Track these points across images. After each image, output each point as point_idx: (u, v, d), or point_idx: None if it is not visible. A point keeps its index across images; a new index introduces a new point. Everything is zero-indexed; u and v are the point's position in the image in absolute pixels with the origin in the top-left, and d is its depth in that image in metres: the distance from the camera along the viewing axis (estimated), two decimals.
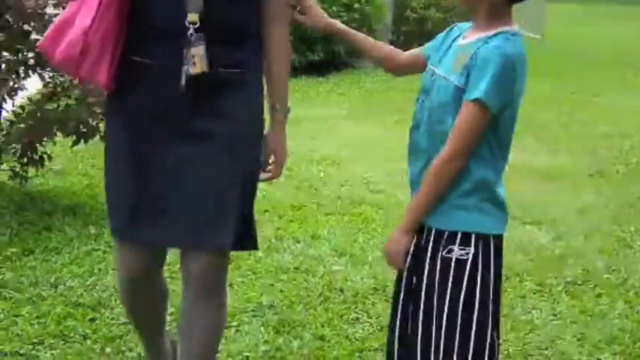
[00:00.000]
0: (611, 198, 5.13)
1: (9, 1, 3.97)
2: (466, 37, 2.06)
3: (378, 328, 3.22)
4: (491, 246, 2.04)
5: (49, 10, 4.07)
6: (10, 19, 4.02)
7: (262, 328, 3.17)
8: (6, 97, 4.07)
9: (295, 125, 6.77)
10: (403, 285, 2.14)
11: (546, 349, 3.11)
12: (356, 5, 9.60)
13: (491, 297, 2.04)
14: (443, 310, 2.01)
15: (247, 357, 2.95)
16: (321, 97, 8.21)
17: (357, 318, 3.33)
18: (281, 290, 3.54)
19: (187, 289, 2.28)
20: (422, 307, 2.04)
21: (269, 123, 2.32)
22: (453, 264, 2.00)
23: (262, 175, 2.32)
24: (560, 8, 14.31)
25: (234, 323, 3.19)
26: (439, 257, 2.01)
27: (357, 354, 3.01)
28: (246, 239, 2.26)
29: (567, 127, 7.22)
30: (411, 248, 2.11)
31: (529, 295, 3.59)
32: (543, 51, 11.35)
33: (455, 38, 2.10)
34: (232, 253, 3.87)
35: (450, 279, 2.00)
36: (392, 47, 2.41)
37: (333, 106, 7.78)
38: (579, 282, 3.76)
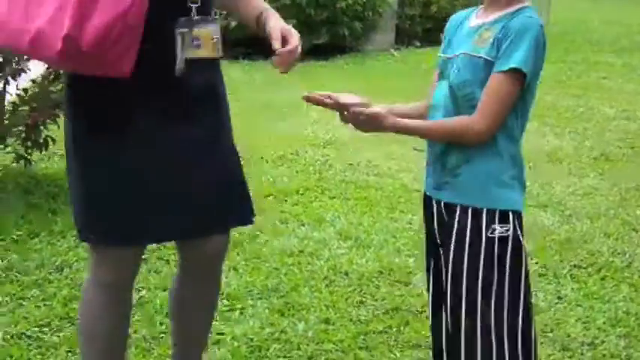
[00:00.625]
0: (616, 181, 5.11)
1: None
2: (479, 17, 2.09)
3: (383, 311, 3.23)
4: (522, 223, 2.07)
5: None
6: None
7: (267, 311, 3.18)
8: (9, 79, 4.07)
9: (299, 109, 6.79)
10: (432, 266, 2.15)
11: (551, 331, 3.12)
12: None
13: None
14: (491, 290, 2.01)
15: (252, 339, 2.96)
16: (326, 80, 8.18)
17: (362, 301, 3.33)
18: (286, 273, 3.54)
19: (193, 274, 2.27)
20: (464, 285, 2.04)
21: (264, 21, 2.22)
22: (496, 242, 2.01)
23: (283, 61, 2.16)
24: None
25: (239, 306, 3.20)
26: (483, 237, 2.01)
27: (361, 337, 3.02)
28: (251, 212, 2.26)
29: (573, 110, 7.19)
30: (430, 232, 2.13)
31: (534, 278, 3.58)
32: (549, 35, 11.21)
33: (459, 24, 2.13)
34: (236, 237, 3.89)
35: (496, 258, 2.01)
36: (414, 106, 2.29)
37: (337, 89, 7.71)
38: (584, 265, 3.76)
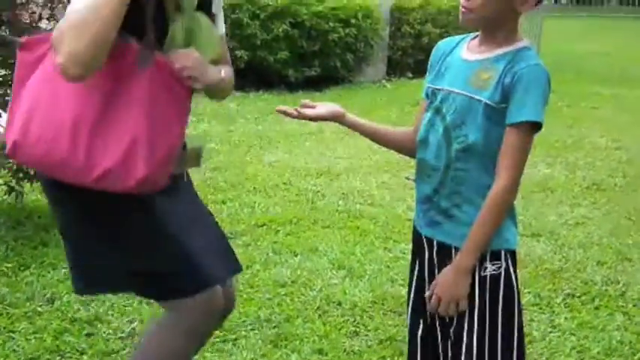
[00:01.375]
0: (608, 210, 5.13)
1: (4, 16, 3.98)
2: (472, 50, 2.04)
3: (377, 341, 3.21)
4: (515, 260, 2.06)
5: (43, 24, 4.08)
6: (4, 34, 4.01)
7: (260, 342, 3.15)
8: (0, 111, 4.06)
9: (292, 139, 6.81)
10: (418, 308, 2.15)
11: None
12: (353, 20, 9.62)
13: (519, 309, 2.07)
14: (484, 329, 2.01)
15: None
16: None
17: (356, 331, 3.31)
18: (279, 304, 3.52)
19: None
20: (454, 327, 2.04)
21: None
22: (488, 281, 2.00)
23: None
24: (556, 24, 14.38)
25: (232, 337, 3.18)
26: (477, 277, 1.99)
27: None
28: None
29: (564, 139, 7.23)
30: (420, 268, 2.12)
31: (528, 307, 3.57)
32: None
33: (448, 53, 2.09)
34: None
35: (487, 296, 2.00)
36: (401, 130, 2.28)
37: (330, 120, 7.77)
38: (578, 294, 3.75)
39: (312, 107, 2.23)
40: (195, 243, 2.06)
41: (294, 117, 2.20)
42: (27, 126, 1.82)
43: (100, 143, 1.77)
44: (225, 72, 2.09)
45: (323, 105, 2.25)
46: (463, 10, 1.97)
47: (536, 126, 1.93)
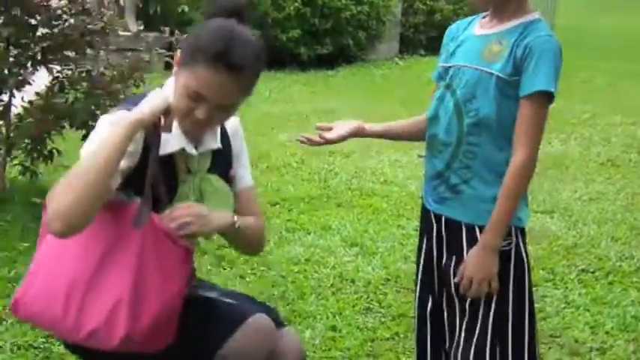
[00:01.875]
0: (623, 186, 5.10)
1: None
2: (483, 27, 2.03)
3: (390, 318, 3.22)
4: (525, 237, 2.06)
5: (54, 3, 4.08)
6: (16, 14, 4.02)
7: None
8: (15, 91, 4.09)
9: (304, 118, 6.80)
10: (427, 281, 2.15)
11: (559, 336, 3.10)
12: None
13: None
14: (491, 303, 2.02)
15: None
16: (331, 90, 8.20)
17: (369, 308, 3.32)
18: (292, 281, 3.54)
19: None
20: (467, 301, 2.04)
21: None
22: (499, 256, 2.00)
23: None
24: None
25: None
26: None
27: (368, 343, 3.01)
28: None
29: (578, 116, 7.18)
30: (429, 244, 2.12)
31: (541, 283, 3.58)
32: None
33: (460, 33, 2.09)
34: None
35: (499, 271, 2.00)
36: (418, 119, 2.25)
37: (342, 98, 7.77)
38: (591, 270, 3.75)
39: (330, 128, 2.24)
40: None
41: (318, 144, 2.22)
42: (29, 285, 1.89)
43: (90, 304, 1.81)
44: (248, 221, 2.01)
45: (341, 125, 2.25)
46: None
47: (549, 97, 1.92)
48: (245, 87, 1.85)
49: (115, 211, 1.84)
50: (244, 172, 2.08)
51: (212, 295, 2.04)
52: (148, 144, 1.83)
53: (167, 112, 1.81)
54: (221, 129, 2.02)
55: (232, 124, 2.07)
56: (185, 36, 1.96)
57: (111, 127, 1.76)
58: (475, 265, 1.98)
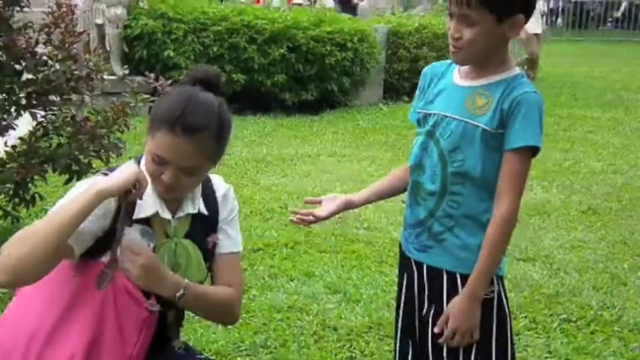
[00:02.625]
0: (604, 234, 5.13)
1: (0, 41, 4.00)
2: (463, 77, 2.06)
3: None
4: (504, 285, 2.07)
5: (40, 49, 4.10)
6: (1, 58, 4.04)
7: None
8: None
9: (288, 163, 6.82)
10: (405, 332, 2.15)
11: None
12: (349, 44, 9.67)
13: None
14: (477, 351, 2.02)
15: None
16: (315, 135, 8.24)
17: (352, 357, 3.30)
18: (274, 329, 3.52)
19: None
20: (445, 351, 2.03)
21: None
22: (481, 305, 2.01)
23: None
24: (551, 48, 14.45)
25: None
26: None
27: None
28: None
29: (560, 163, 7.25)
30: (409, 291, 2.12)
31: (523, 332, 3.58)
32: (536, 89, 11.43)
33: (438, 79, 2.11)
34: None
35: (481, 319, 2.01)
36: (400, 168, 2.28)
37: (326, 144, 7.81)
38: (573, 319, 3.75)
39: (319, 202, 2.28)
40: None
41: (309, 223, 2.27)
42: None
43: (47, 356, 1.82)
44: (206, 291, 2.01)
45: (330, 201, 2.28)
46: (453, 49, 1.99)
47: (534, 151, 1.96)
48: (206, 150, 1.89)
49: (82, 268, 1.86)
50: (229, 239, 2.08)
51: None
52: (120, 209, 1.86)
53: (139, 181, 1.83)
54: (210, 194, 2.04)
55: (223, 189, 2.09)
56: (154, 102, 2.01)
57: (80, 192, 1.79)
58: (459, 315, 1.98)
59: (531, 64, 12.90)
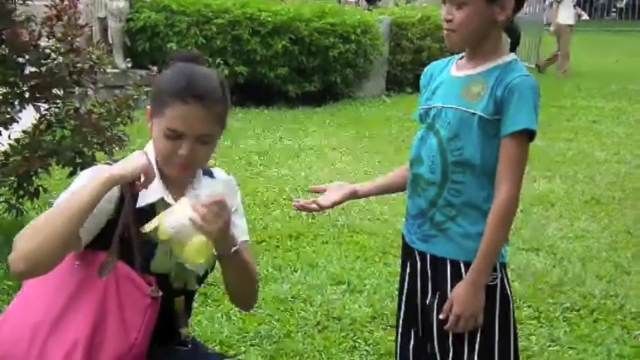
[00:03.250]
0: (607, 224, 5.14)
1: (3, 34, 4.01)
2: (461, 68, 2.08)
3: (376, 356, 3.22)
4: (507, 272, 2.08)
5: (43, 42, 4.11)
6: (4, 53, 4.05)
7: (260, 358, 3.17)
8: (1, 129, 4.09)
9: (292, 155, 6.83)
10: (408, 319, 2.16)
11: None
12: (352, 36, 9.67)
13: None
14: (477, 337, 2.03)
15: None
16: (318, 127, 8.24)
17: (355, 346, 3.32)
18: (279, 319, 3.53)
19: None
20: (451, 338, 2.05)
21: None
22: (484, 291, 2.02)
23: None
24: (556, 38, 14.43)
25: (232, 353, 3.18)
26: None
27: None
28: None
29: (563, 153, 7.25)
30: (412, 281, 2.14)
31: (526, 321, 3.59)
32: (538, 79, 11.42)
33: (438, 74, 2.14)
34: None
35: (485, 305, 2.02)
36: (403, 167, 2.29)
37: (329, 136, 7.82)
38: (577, 308, 3.76)
39: (323, 190, 2.29)
40: None
41: (311, 211, 2.28)
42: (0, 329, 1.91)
43: (51, 347, 1.84)
44: (249, 257, 2.03)
45: (335, 190, 2.29)
46: (446, 32, 2.04)
47: (531, 134, 1.96)
48: (216, 115, 1.92)
49: (85, 257, 1.88)
50: (238, 228, 2.07)
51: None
52: (124, 198, 1.88)
53: (147, 172, 1.85)
54: None
55: (222, 176, 2.11)
56: (149, 90, 2.01)
57: (88, 179, 1.81)
58: (463, 301, 1.99)
59: (563, 56, 12.81)
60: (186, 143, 1.88)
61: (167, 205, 1.93)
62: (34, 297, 1.90)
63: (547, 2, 13.88)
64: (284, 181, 5.99)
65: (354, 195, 2.30)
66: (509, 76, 1.98)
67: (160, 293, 1.89)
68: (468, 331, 2.02)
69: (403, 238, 2.22)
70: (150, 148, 1.98)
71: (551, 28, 12.95)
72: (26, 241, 1.74)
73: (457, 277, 2.03)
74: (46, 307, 1.87)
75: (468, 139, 1.99)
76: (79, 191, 1.79)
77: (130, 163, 1.84)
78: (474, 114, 1.98)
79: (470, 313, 1.99)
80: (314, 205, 2.25)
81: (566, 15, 12.60)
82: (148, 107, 1.95)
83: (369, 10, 12.37)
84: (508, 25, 2.05)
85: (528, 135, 1.96)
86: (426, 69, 2.22)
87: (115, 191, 1.87)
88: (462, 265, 2.03)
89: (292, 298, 3.78)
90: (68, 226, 1.75)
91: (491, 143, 1.98)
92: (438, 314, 2.06)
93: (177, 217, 1.81)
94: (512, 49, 2.08)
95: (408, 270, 2.19)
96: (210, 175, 2.08)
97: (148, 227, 1.84)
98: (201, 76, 1.91)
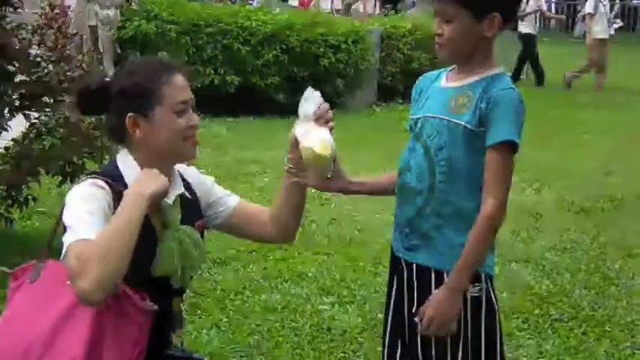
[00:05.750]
0: (595, 235, 5.16)
1: None
2: (450, 80, 2.11)
3: None
4: (493, 284, 2.08)
5: (33, 50, 4.10)
6: None
7: None
8: None
9: (282, 164, 6.80)
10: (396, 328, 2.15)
11: None
12: (343, 46, 9.70)
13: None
14: (467, 349, 2.04)
15: None
16: None
17: (345, 357, 3.32)
18: (268, 330, 3.53)
19: None
20: (434, 348, 2.05)
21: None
22: (469, 302, 2.03)
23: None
24: (546, 50, 14.50)
25: None
26: None
27: None
28: None
29: (553, 164, 7.28)
30: (399, 291, 2.14)
31: (515, 332, 3.60)
32: (530, 92, 11.48)
33: (429, 85, 2.16)
34: (219, 294, 3.87)
35: (469, 317, 2.03)
36: (390, 173, 2.30)
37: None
38: (565, 319, 3.77)
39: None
40: None
41: (303, 182, 2.30)
42: None
43: None
44: None
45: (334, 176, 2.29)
46: (437, 46, 2.07)
47: (514, 146, 1.98)
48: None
49: None
50: (228, 195, 2.20)
51: None
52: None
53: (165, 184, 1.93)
54: (183, 181, 2.08)
55: (189, 172, 2.15)
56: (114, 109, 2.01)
57: (131, 200, 1.83)
58: (437, 306, 2.00)
59: (599, 71, 12.69)
60: (190, 112, 1.98)
61: (162, 209, 1.94)
62: (26, 314, 1.89)
63: (579, 15, 13.75)
64: (275, 190, 5.98)
65: (344, 190, 2.31)
66: (494, 88, 2.00)
67: (155, 307, 1.89)
68: (440, 336, 2.01)
69: (392, 248, 2.22)
70: (126, 160, 1.98)
71: (587, 42, 12.81)
72: (99, 268, 1.73)
73: (440, 286, 2.04)
74: (39, 324, 1.85)
75: (454, 150, 2.02)
76: (126, 216, 1.81)
77: (154, 178, 1.89)
78: (459, 125, 2.01)
79: (441, 317, 1.99)
80: (305, 179, 2.24)
81: (599, 29, 12.43)
82: (130, 116, 1.93)
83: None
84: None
85: (511, 147, 1.98)
86: (417, 80, 2.24)
87: (108, 199, 1.86)
88: (445, 275, 2.04)
89: (282, 308, 3.77)
90: (129, 244, 1.78)
91: (477, 154, 2.00)
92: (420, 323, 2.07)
93: (311, 135, 2.07)
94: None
95: (395, 280, 2.19)
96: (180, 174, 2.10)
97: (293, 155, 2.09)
98: (163, 57, 2.15)
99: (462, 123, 2.00)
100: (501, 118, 1.96)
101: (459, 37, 2.02)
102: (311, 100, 2.13)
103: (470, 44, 2.03)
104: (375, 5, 16.19)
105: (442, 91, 2.11)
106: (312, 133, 2.08)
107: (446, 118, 2.04)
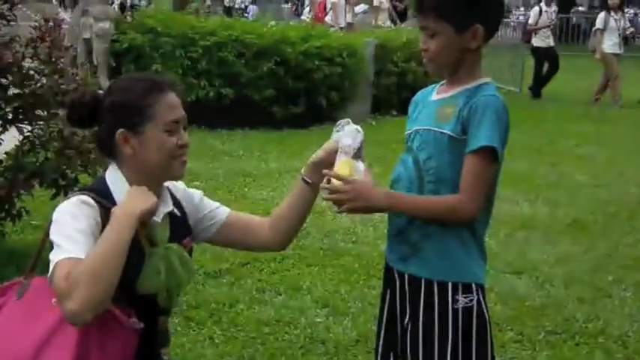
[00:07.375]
0: (589, 247, 5.17)
1: None
2: (439, 92, 2.15)
3: None
4: (484, 293, 2.09)
5: (26, 63, 4.11)
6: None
7: None
8: None
9: (277, 178, 6.84)
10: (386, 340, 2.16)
11: None
12: (338, 59, 9.72)
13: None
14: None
15: None
16: (304, 148, 8.24)
17: None
18: (262, 343, 3.52)
19: None
20: (436, 355, 2.05)
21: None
22: (460, 313, 2.04)
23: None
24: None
25: None
26: (450, 309, 2.04)
27: None
28: None
29: (546, 177, 7.30)
30: (391, 301, 2.14)
31: (509, 344, 3.60)
32: (522, 103, 11.52)
33: (423, 100, 2.20)
34: (213, 307, 3.87)
35: (460, 328, 2.04)
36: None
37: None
38: (559, 331, 3.78)
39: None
40: None
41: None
42: None
43: None
44: None
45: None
46: (425, 60, 2.11)
47: (494, 153, 1.99)
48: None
49: None
50: (218, 207, 2.19)
51: None
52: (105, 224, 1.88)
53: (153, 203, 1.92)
54: (172, 198, 2.07)
55: (177, 188, 2.14)
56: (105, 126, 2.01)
57: (120, 220, 1.83)
58: (362, 192, 2.02)
59: (613, 85, 12.64)
60: (181, 132, 1.97)
61: (149, 227, 1.94)
62: (11, 329, 1.87)
63: (593, 30, 13.72)
64: (269, 203, 5.98)
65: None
66: (476, 96, 2.03)
67: (141, 325, 1.88)
68: (345, 210, 2.04)
69: (385, 259, 2.23)
70: (115, 176, 1.98)
71: (597, 56, 12.80)
72: (88, 289, 1.72)
73: (430, 296, 2.05)
74: (25, 339, 1.84)
75: (441, 159, 2.04)
76: (115, 234, 1.80)
77: (143, 197, 1.89)
78: (444, 134, 2.04)
79: (357, 203, 2.02)
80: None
81: (610, 43, 12.42)
82: (120, 132, 1.94)
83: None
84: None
85: (491, 153, 1.99)
86: (413, 97, 2.27)
87: (96, 216, 1.87)
88: (435, 284, 2.05)
89: (276, 321, 3.77)
90: (119, 264, 1.78)
91: (462, 162, 2.02)
92: (411, 336, 2.07)
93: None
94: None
95: (388, 291, 2.20)
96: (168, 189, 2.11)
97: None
98: (155, 75, 2.09)
99: (447, 132, 2.03)
100: (482, 125, 1.99)
101: (443, 50, 2.06)
102: (350, 134, 2.20)
103: (454, 57, 2.07)
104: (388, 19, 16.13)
105: (431, 103, 2.15)
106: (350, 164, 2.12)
107: (433, 128, 2.07)
